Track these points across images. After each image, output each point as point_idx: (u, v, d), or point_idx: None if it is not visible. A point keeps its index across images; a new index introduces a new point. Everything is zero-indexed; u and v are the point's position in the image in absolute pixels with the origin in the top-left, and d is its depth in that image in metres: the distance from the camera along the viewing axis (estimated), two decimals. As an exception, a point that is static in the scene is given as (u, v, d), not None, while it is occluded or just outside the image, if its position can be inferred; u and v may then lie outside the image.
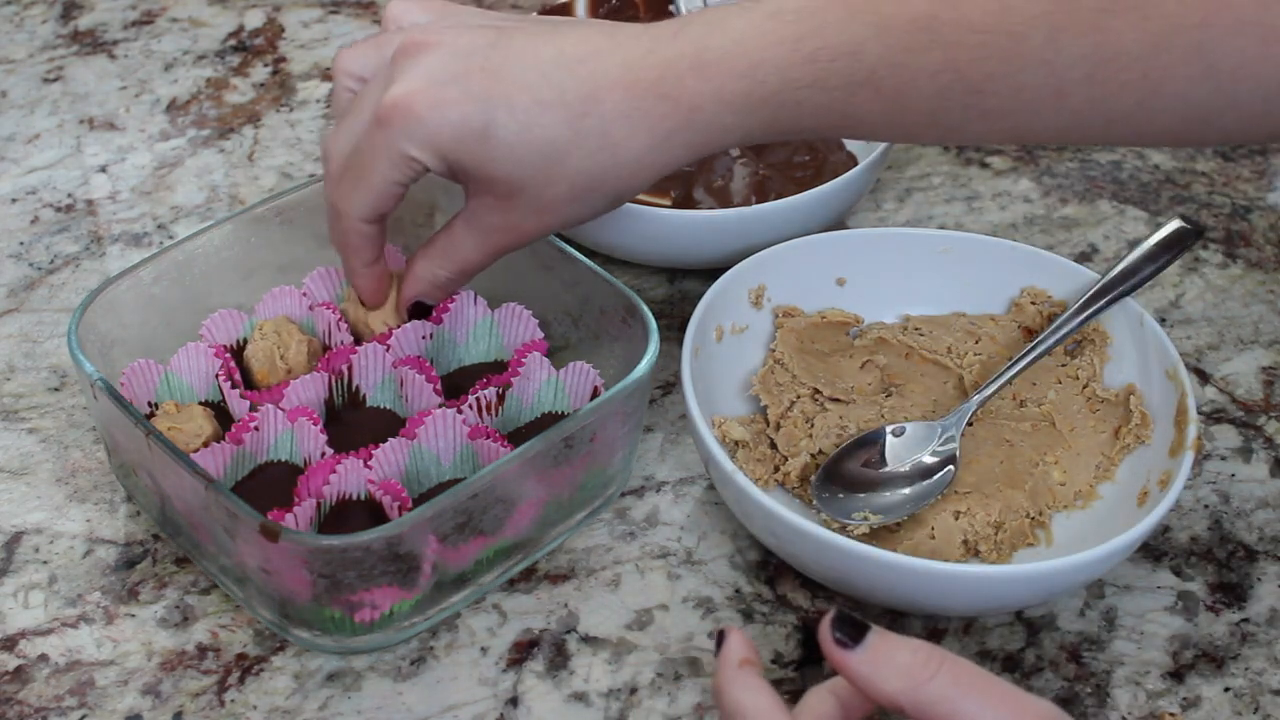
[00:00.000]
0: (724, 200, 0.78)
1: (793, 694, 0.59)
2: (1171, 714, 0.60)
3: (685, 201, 0.78)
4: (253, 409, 0.64)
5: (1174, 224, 0.72)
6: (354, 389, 0.67)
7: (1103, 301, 0.69)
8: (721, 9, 0.60)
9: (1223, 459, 0.71)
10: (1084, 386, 0.70)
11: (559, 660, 0.62)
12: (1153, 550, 0.66)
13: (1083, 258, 0.81)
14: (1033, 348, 0.69)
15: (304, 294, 0.71)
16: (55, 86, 0.93)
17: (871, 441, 0.68)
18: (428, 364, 0.67)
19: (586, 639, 0.63)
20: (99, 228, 0.83)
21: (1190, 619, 0.64)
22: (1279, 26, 0.55)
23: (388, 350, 0.67)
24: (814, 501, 0.66)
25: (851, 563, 0.59)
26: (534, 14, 0.76)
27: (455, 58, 0.60)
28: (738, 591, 0.64)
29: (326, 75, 0.94)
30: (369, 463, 0.62)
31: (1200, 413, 0.71)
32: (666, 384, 0.74)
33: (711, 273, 0.70)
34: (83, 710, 0.59)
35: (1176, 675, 0.62)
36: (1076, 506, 0.67)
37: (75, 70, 0.94)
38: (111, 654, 0.62)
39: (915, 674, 0.46)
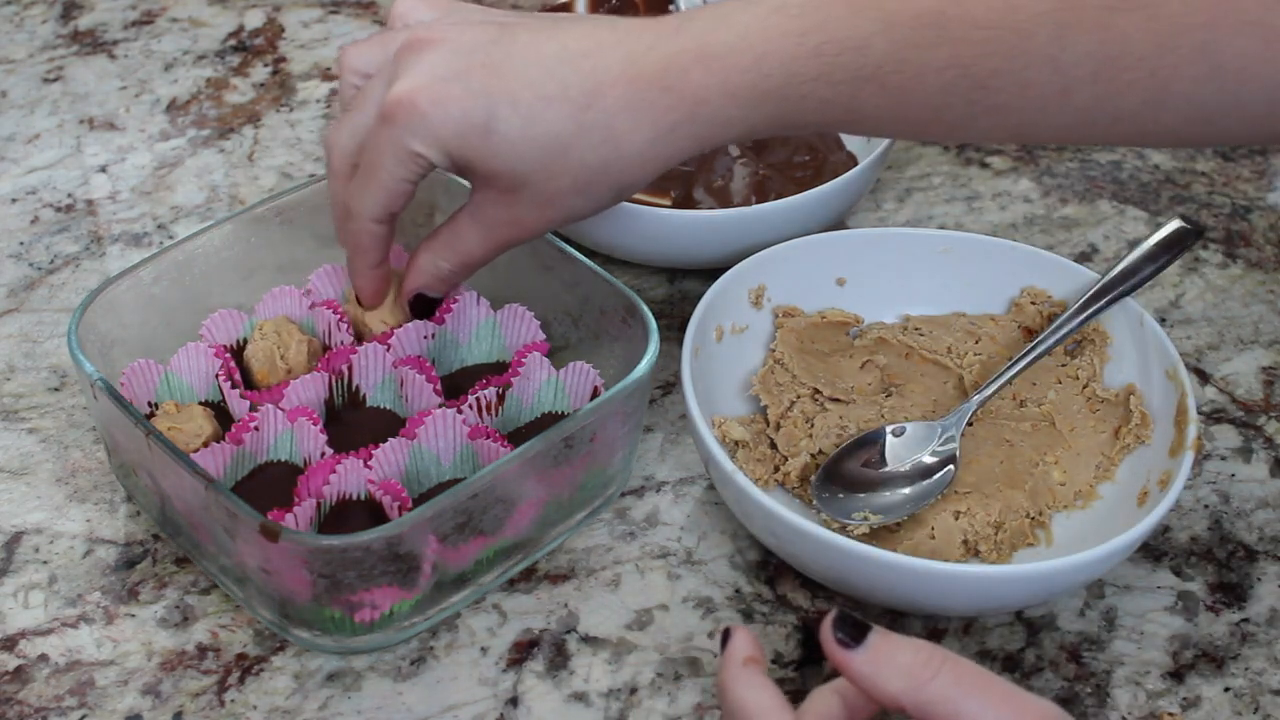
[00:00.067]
0: (724, 200, 0.78)
1: (793, 694, 0.59)
2: (1171, 714, 0.60)
3: (685, 201, 0.78)
4: (253, 409, 0.64)
5: (1174, 224, 0.72)
6: (354, 389, 0.67)
7: (1103, 301, 0.69)
8: (724, 4, 0.60)
9: (1223, 459, 0.71)
10: (1084, 386, 0.70)
11: (559, 660, 0.62)
12: (1153, 550, 0.66)
13: (1083, 258, 0.81)
14: (1033, 348, 0.69)
15: (308, 292, 0.71)
16: (55, 86, 0.93)
17: (871, 441, 0.68)
18: (428, 364, 0.67)
19: (586, 639, 0.63)
20: (99, 228, 0.83)
21: (1190, 619, 0.64)
22: None
23: (388, 350, 0.67)
24: (814, 501, 0.66)
25: (851, 563, 0.59)
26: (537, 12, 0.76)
27: (458, 54, 0.60)
28: (738, 591, 0.64)
29: (326, 75, 0.94)
30: (369, 463, 0.62)
31: (1200, 413, 0.71)
32: (666, 384, 0.74)
33: (711, 273, 0.70)
34: (83, 710, 0.59)
35: (1176, 675, 0.62)
36: (1076, 506, 0.67)
37: (75, 70, 0.94)
38: (111, 654, 0.62)
39: (917, 674, 0.46)
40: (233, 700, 0.60)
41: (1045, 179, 0.87)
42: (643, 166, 0.61)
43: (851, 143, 0.82)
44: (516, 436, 0.66)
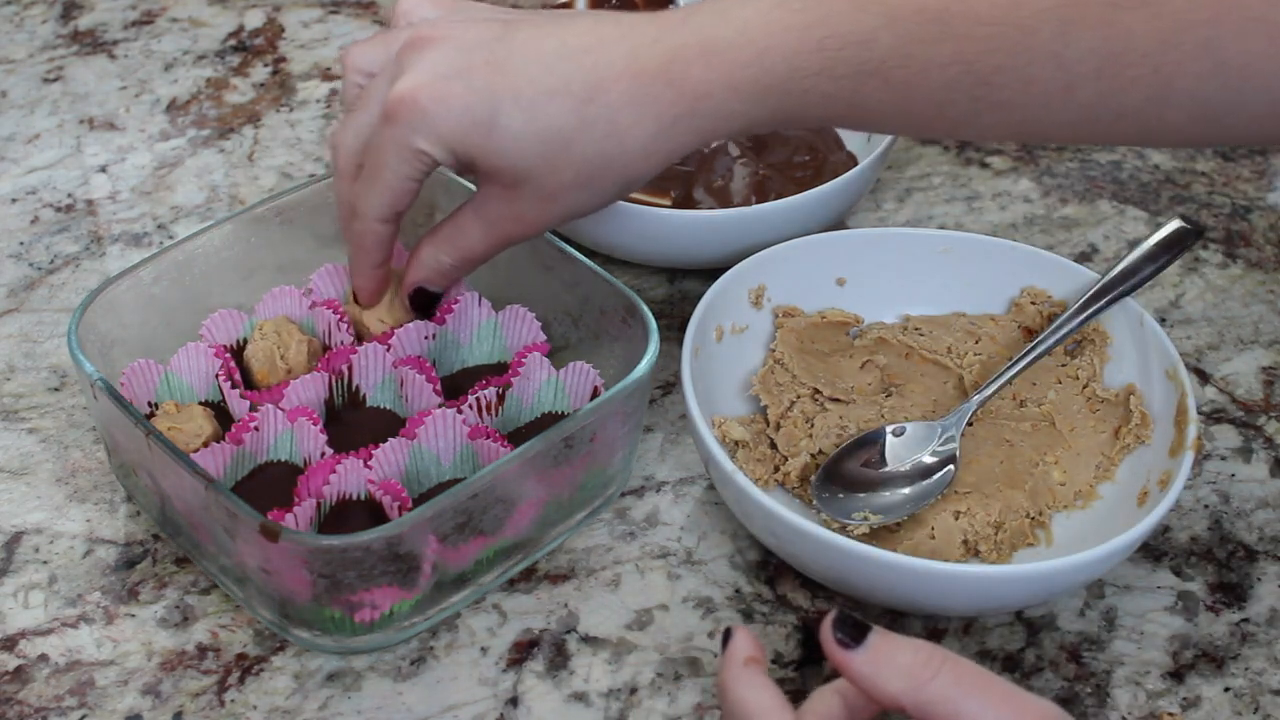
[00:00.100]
0: (724, 200, 0.78)
1: (793, 694, 0.59)
2: (1171, 714, 0.60)
3: (685, 201, 0.78)
4: (253, 409, 0.64)
5: (1174, 224, 0.72)
6: (354, 389, 0.67)
7: (1103, 301, 0.69)
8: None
9: (1223, 459, 0.71)
10: (1084, 386, 0.70)
11: (559, 660, 0.62)
12: (1153, 550, 0.66)
13: (1083, 258, 0.81)
14: (1033, 348, 0.69)
15: (308, 292, 0.71)
16: (55, 86, 0.93)
17: (871, 441, 0.68)
18: (428, 364, 0.67)
19: (586, 639, 0.63)
20: (99, 228, 0.83)
21: (1190, 619, 0.64)
22: None
23: (388, 350, 0.67)
24: (814, 501, 0.66)
25: (851, 563, 0.59)
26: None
27: (460, 52, 0.60)
28: (738, 591, 0.64)
29: (326, 75, 0.94)
30: (369, 463, 0.62)
31: (1200, 413, 0.71)
32: (666, 384, 0.74)
33: (711, 273, 0.70)
34: (83, 710, 0.59)
35: (1176, 675, 0.62)
36: (1076, 506, 0.67)
37: (75, 70, 0.94)
38: (111, 654, 0.62)
39: (917, 674, 0.46)
40: (233, 700, 0.60)
41: (1045, 179, 0.87)
42: (645, 160, 0.61)
43: (851, 142, 0.82)
44: (516, 437, 0.66)
